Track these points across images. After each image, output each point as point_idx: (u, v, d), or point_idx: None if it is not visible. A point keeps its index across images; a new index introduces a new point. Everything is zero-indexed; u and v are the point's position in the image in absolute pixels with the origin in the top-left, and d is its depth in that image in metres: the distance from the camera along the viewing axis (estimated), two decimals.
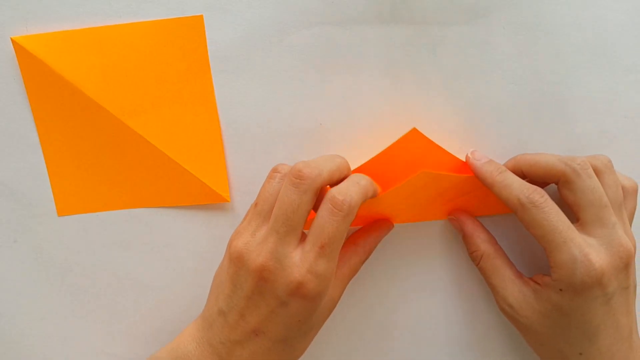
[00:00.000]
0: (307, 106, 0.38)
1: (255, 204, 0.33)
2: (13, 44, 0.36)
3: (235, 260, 0.32)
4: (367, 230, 0.37)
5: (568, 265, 0.31)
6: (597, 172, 0.34)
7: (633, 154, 0.38)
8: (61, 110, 0.37)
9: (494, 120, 0.38)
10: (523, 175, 0.35)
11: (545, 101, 0.38)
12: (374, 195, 0.33)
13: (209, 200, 0.38)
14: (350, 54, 0.37)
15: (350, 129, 0.38)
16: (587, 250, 0.31)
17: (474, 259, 0.37)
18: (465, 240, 0.38)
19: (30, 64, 0.37)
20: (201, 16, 0.37)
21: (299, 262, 0.30)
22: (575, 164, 0.33)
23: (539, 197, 0.32)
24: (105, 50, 0.37)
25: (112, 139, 0.38)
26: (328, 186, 0.33)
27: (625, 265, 0.32)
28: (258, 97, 0.37)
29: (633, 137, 0.38)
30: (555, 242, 0.31)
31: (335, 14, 0.37)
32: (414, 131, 0.33)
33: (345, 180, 0.32)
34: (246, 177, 0.38)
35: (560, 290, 0.32)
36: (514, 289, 0.35)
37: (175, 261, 0.39)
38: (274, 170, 0.33)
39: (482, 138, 0.38)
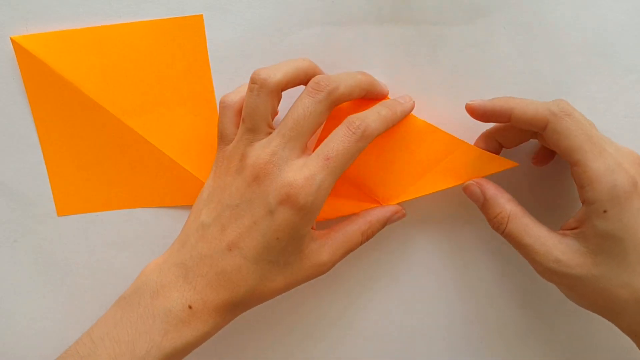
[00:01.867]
0: None
1: (243, 120, 0.32)
2: (13, 44, 0.36)
3: (234, 169, 0.31)
4: (373, 208, 0.36)
5: (607, 177, 0.29)
6: (570, 110, 0.32)
7: None
8: (61, 110, 0.37)
9: None
10: (508, 118, 0.33)
11: (545, 101, 0.38)
12: (402, 116, 0.34)
13: None
14: (350, 54, 0.37)
15: None
16: (619, 159, 0.30)
17: (500, 223, 0.33)
18: (486, 205, 0.34)
19: (30, 64, 0.37)
20: (201, 16, 0.37)
21: (298, 167, 0.30)
22: (556, 108, 0.31)
23: (569, 106, 0.30)
24: (105, 50, 0.37)
25: (112, 139, 0.38)
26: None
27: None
28: None
29: (633, 137, 0.38)
30: (592, 152, 0.30)
31: (336, 13, 0.37)
32: None
33: (368, 111, 0.32)
34: None
35: (605, 211, 0.30)
36: (554, 241, 0.31)
37: None
38: (252, 80, 0.31)
39: None
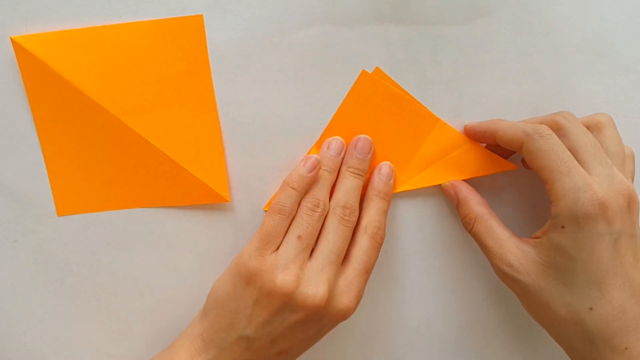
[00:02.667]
0: (307, 106, 0.37)
1: (300, 237, 0.34)
2: (12, 44, 0.36)
3: (284, 295, 0.32)
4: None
5: (570, 195, 0.30)
6: (600, 126, 0.34)
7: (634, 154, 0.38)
8: (61, 110, 0.37)
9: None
10: (494, 139, 0.35)
11: (545, 101, 0.38)
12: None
13: (209, 200, 0.38)
14: (350, 54, 0.37)
15: None
16: (589, 180, 0.31)
17: (467, 223, 0.36)
18: (458, 206, 0.37)
19: (30, 64, 0.37)
20: (201, 16, 0.37)
21: (347, 289, 0.33)
22: (532, 129, 0.33)
23: (545, 130, 0.32)
24: (105, 50, 0.37)
25: (112, 139, 0.38)
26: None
27: (628, 205, 0.31)
28: (258, 97, 0.37)
29: (633, 137, 0.38)
30: (559, 171, 0.31)
31: (336, 13, 0.37)
32: (363, 74, 0.34)
33: (374, 211, 0.35)
34: (246, 177, 0.38)
35: (563, 227, 0.31)
36: (511, 246, 0.33)
37: (175, 261, 0.39)
38: (316, 204, 0.35)
39: None
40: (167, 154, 0.37)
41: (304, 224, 0.34)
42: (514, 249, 0.33)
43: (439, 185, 0.38)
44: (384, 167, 0.36)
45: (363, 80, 0.34)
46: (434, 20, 0.37)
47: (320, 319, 0.33)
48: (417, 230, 0.39)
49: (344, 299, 0.33)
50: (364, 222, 0.35)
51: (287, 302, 0.32)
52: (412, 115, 0.36)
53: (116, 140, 0.38)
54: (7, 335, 0.40)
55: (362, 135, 0.36)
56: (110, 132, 0.37)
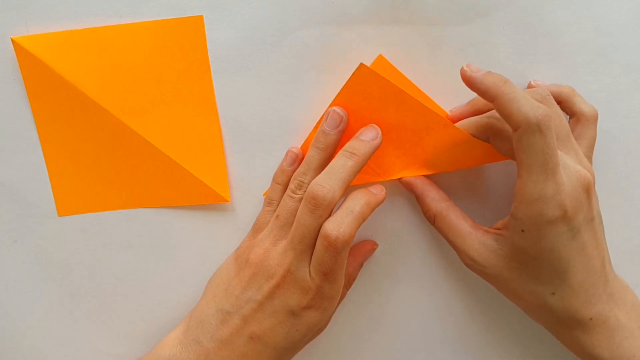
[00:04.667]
0: (307, 106, 0.38)
1: (277, 216, 0.34)
2: (13, 44, 0.36)
3: (255, 265, 0.33)
4: (352, 255, 0.38)
5: (535, 205, 0.30)
6: (565, 96, 0.34)
7: (633, 154, 0.38)
8: (61, 111, 0.37)
9: None
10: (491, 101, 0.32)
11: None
12: (376, 206, 0.33)
13: (209, 200, 0.38)
14: (350, 54, 0.37)
15: None
16: (559, 187, 0.30)
17: (429, 219, 0.36)
18: (418, 202, 0.37)
19: (30, 64, 0.37)
20: (201, 16, 0.37)
21: (310, 281, 0.32)
22: (535, 118, 0.29)
23: (548, 122, 0.29)
24: (105, 50, 0.37)
25: (112, 139, 0.38)
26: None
27: (587, 194, 0.31)
28: (258, 97, 0.37)
29: (633, 137, 0.38)
30: (536, 176, 0.29)
31: (335, 14, 0.37)
32: (361, 67, 0.33)
33: (340, 208, 0.32)
34: (246, 177, 0.38)
35: (523, 231, 0.31)
36: (473, 242, 0.33)
37: (175, 261, 0.39)
38: (298, 185, 0.34)
39: None
40: (167, 154, 0.37)
41: (283, 204, 0.34)
42: (476, 244, 0.33)
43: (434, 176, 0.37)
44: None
45: (360, 74, 0.33)
46: (434, 21, 0.37)
47: (287, 301, 0.32)
48: (416, 229, 0.39)
49: (307, 287, 0.32)
50: (323, 226, 0.32)
51: (255, 273, 0.33)
52: (413, 113, 0.34)
53: (116, 141, 0.38)
54: (7, 335, 0.40)
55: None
56: (110, 132, 0.37)
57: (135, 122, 0.37)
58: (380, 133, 0.34)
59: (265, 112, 0.38)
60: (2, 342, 0.40)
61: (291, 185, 0.34)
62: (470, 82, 0.32)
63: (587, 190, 0.31)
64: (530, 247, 0.31)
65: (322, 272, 0.32)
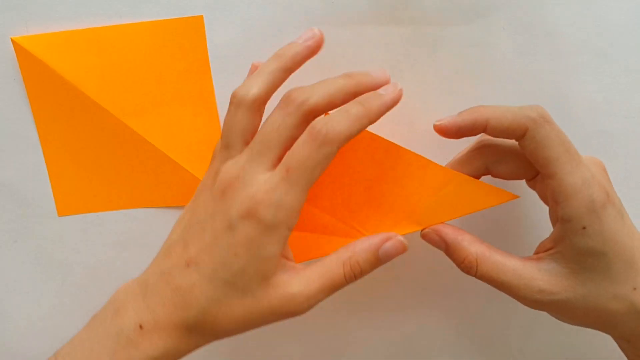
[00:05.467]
0: None
1: (220, 138, 0.31)
2: (13, 44, 0.36)
3: (205, 184, 0.30)
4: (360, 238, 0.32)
5: (584, 191, 0.28)
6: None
7: (633, 154, 0.38)
8: (61, 111, 0.37)
9: None
10: (484, 128, 0.31)
11: (545, 101, 0.38)
12: (386, 110, 0.29)
13: None
14: (350, 54, 0.37)
15: None
16: (592, 169, 0.29)
17: (469, 267, 0.31)
18: (450, 252, 0.32)
19: (31, 65, 0.37)
20: (201, 16, 0.37)
21: (263, 181, 0.27)
22: (535, 114, 0.29)
23: (547, 113, 0.29)
24: (105, 51, 0.37)
25: (112, 139, 0.38)
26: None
27: (607, 175, 0.30)
28: None
29: (633, 137, 0.38)
30: (570, 164, 0.28)
31: (335, 14, 0.37)
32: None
33: (337, 109, 0.28)
34: None
35: (584, 228, 0.28)
36: (533, 271, 0.30)
37: None
38: (230, 99, 0.30)
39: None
40: (168, 154, 0.37)
41: (224, 121, 0.31)
42: (537, 273, 0.30)
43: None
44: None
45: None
46: (434, 21, 0.37)
47: (227, 209, 0.27)
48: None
49: (253, 189, 0.27)
50: (314, 120, 0.28)
51: (209, 187, 0.30)
52: (389, 157, 0.31)
53: (116, 141, 0.38)
54: (7, 335, 0.40)
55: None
56: (110, 132, 0.37)
57: (135, 122, 0.37)
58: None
59: (265, 112, 0.38)
60: (2, 342, 0.40)
61: (230, 102, 0.30)
62: (454, 128, 0.31)
63: (606, 171, 0.30)
64: (596, 244, 0.28)
65: (285, 168, 0.27)
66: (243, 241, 0.27)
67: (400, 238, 0.30)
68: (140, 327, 0.28)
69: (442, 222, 0.32)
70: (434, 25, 0.37)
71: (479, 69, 0.37)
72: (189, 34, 0.37)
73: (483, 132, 0.31)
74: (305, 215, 0.32)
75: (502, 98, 0.37)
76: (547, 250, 0.30)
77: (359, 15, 0.37)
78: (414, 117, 0.38)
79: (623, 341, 0.31)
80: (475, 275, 0.31)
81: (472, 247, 0.31)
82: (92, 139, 0.38)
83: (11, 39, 0.36)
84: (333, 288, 0.29)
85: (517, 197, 0.32)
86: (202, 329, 0.28)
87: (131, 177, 0.38)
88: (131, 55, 0.37)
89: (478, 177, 0.33)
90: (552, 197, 0.29)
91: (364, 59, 0.37)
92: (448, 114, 0.37)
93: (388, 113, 0.38)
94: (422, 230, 0.32)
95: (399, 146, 0.32)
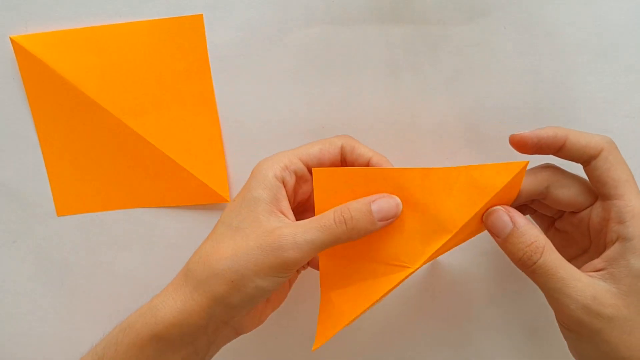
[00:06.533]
0: (307, 106, 0.37)
1: None
2: (12, 44, 0.36)
3: None
4: None
5: None
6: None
7: (634, 154, 0.38)
8: (60, 110, 0.37)
9: (494, 120, 0.38)
10: (562, 144, 0.31)
11: (545, 101, 0.38)
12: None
13: (209, 200, 0.38)
14: (350, 54, 0.37)
15: (351, 129, 0.38)
16: None
17: (533, 253, 0.29)
18: (515, 235, 0.30)
19: (30, 64, 0.37)
20: (201, 15, 0.37)
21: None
22: (607, 139, 0.31)
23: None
24: (105, 50, 0.37)
25: (111, 138, 0.38)
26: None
27: None
28: (258, 97, 0.37)
29: (634, 137, 0.38)
30: (635, 188, 0.30)
31: (336, 13, 0.37)
32: (316, 172, 0.31)
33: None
34: (246, 177, 0.38)
35: None
36: (587, 279, 0.29)
37: (175, 261, 0.39)
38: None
39: (482, 138, 0.38)
40: (167, 154, 0.37)
41: None
42: (591, 281, 0.29)
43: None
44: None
45: (320, 178, 0.30)
46: (434, 20, 0.37)
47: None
48: None
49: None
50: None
51: None
52: (396, 183, 0.31)
53: (116, 141, 0.38)
54: (7, 335, 0.39)
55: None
56: (110, 132, 0.37)
57: (135, 122, 0.37)
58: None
59: (265, 112, 0.38)
60: (2, 342, 0.40)
61: None
62: (534, 140, 0.31)
63: None
64: None
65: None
66: (242, 190, 0.31)
67: (396, 199, 0.31)
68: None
69: (468, 219, 0.31)
70: (435, 25, 0.37)
71: (480, 68, 0.37)
72: (188, 33, 0.37)
73: (559, 149, 0.31)
74: (347, 268, 0.32)
75: (502, 98, 0.38)
76: (597, 270, 0.30)
77: (359, 15, 0.37)
78: (415, 116, 0.38)
79: None
80: (533, 265, 0.30)
81: (542, 234, 0.30)
82: (91, 138, 0.38)
83: (10, 38, 0.36)
84: (323, 231, 0.30)
85: (527, 162, 0.30)
86: (197, 274, 0.30)
87: (131, 177, 0.38)
88: (131, 54, 0.37)
89: (533, 198, 0.32)
90: (616, 217, 0.30)
91: (364, 59, 0.37)
92: (448, 114, 0.37)
93: (389, 112, 0.38)
94: (485, 213, 0.31)
95: (393, 169, 0.31)
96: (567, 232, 0.34)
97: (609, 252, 0.30)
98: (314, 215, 0.31)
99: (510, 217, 0.30)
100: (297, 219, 0.32)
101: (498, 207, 0.31)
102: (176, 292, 0.31)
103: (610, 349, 0.29)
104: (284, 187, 0.32)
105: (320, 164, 0.33)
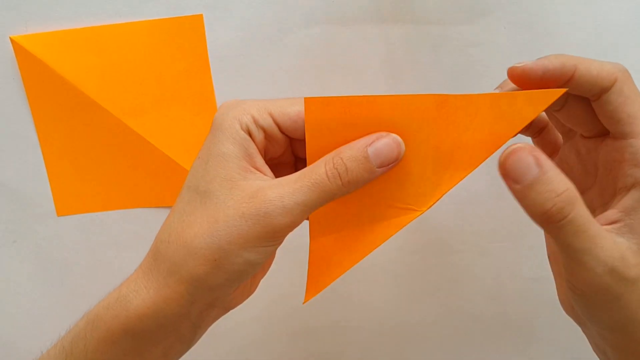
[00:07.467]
0: None
1: None
2: (12, 44, 0.36)
3: None
4: None
5: None
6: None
7: None
8: (60, 110, 0.37)
9: None
10: (570, 76, 0.25)
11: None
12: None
13: None
14: (350, 54, 0.37)
15: None
16: None
17: (565, 204, 0.23)
18: (542, 181, 0.23)
19: (30, 64, 0.37)
20: (201, 15, 0.37)
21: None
22: (621, 67, 0.25)
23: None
24: (105, 50, 0.37)
25: (111, 139, 0.38)
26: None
27: None
28: (258, 97, 0.37)
29: None
30: None
31: (336, 13, 0.37)
32: (307, 101, 0.25)
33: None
34: None
35: None
36: (611, 238, 0.24)
37: None
38: None
39: None
40: (167, 154, 0.37)
41: None
42: (617, 238, 0.24)
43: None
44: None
45: (312, 108, 0.25)
46: (435, 20, 0.37)
47: None
48: (415, 228, 0.39)
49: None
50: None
51: None
52: (394, 113, 0.25)
53: (116, 140, 0.38)
54: (7, 335, 0.39)
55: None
56: (110, 132, 0.37)
57: (135, 122, 0.37)
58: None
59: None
60: (2, 342, 0.40)
61: None
62: (539, 71, 0.26)
63: None
64: None
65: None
66: (205, 144, 0.26)
67: (396, 137, 0.25)
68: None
69: (489, 156, 0.26)
70: (435, 25, 0.37)
71: (480, 68, 0.37)
72: (188, 32, 0.37)
73: (567, 82, 0.26)
74: (342, 211, 0.27)
75: None
76: (612, 223, 0.25)
77: (359, 15, 0.37)
78: None
79: None
80: (562, 220, 0.23)
81: (571, 183, 0.24)
82: (91, 138, 0.38)
83: (10, 38, 0.36)
84: (314, 189, 0.25)
85: (566, 89, 0.25)
86: (170, 257, 0.26)
87: (130, 177, 0.38)
88: (131, 54, 0.37)
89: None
90: (633, 159, 0.25)
91: (364, 59, 0.37)
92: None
93: None
94: (503, 153, 0.24)
95: (400, 95, 0.25)
96: (569, 164, 0.29)
97: (626, 201, 0.25)
98: (305, 165, 0.26)
99: (535, 159, 0.23)
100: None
101: (519, 144, 0.24)
102: (147, 278, 0.27)
103: (631, 312, 0.24)
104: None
105: (295, 131, 0.27)
